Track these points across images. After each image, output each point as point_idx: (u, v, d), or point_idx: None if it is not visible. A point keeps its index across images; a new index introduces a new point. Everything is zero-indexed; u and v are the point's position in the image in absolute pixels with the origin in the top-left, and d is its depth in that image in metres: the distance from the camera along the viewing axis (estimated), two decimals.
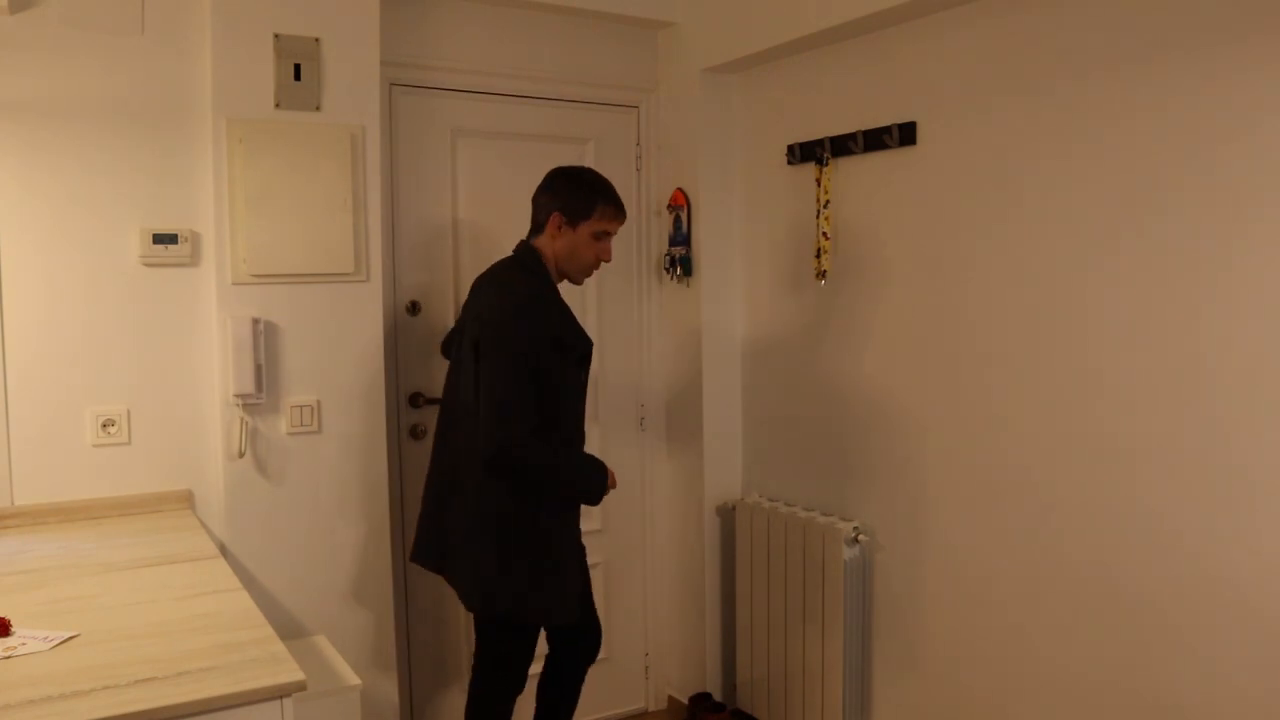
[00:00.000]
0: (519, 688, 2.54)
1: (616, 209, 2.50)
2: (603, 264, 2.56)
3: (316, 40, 2.67)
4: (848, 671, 2.90)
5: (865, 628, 2.94)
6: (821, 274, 2.99)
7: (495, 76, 3.17)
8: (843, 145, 2.89)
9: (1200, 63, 2.06)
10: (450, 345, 2.70)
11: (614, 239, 2.56)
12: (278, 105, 2.63)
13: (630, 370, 3.49)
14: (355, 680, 2.37)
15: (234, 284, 2.61)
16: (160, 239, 2.56)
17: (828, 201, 2.96)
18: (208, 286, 2.63)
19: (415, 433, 3.08)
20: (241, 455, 2.63)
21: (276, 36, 2.62)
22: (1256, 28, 1.96)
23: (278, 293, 2.66)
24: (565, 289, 2.56)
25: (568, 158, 3.31)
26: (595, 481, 2.46)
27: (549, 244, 2.49)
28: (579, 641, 2.70)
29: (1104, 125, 2.25)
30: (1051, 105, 2.36)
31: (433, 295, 3.10)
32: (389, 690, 2.86)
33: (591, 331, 3.38)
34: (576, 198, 2.47)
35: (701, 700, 3.37)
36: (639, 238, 3.50)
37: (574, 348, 2.45)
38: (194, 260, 2.62)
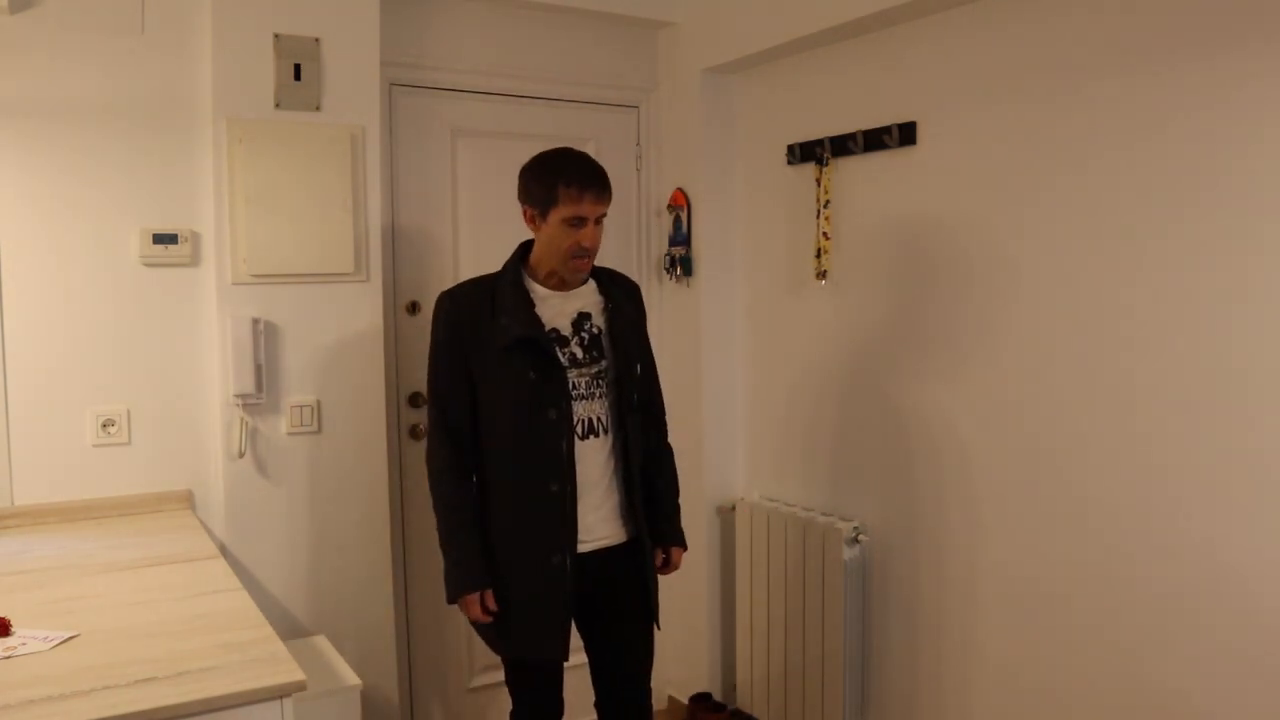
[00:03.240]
0: None
1: (582, 187, 2.13)
2: (590, 251, 2.20)
3: (316, 40, 2.67)
4: (848, 671, 2.90)
5: (865, 628, 2.93)
6: (821, 274, 2.99)
7: (495, 76, 3.17)
8: (843, 145, 2.89)
9: (1203, 63, 2.06)
10: None
11: (604, 223, 2.22)
12: (278, 105, 2.63)
13: None
14: (355, 680, 2.37)
15: (234, 284, 2.61)
16: (160, 239, 2.56)
17: (828, 201, 2.96)
18: (208, 286, 2.63)
19: (415, 433, 3.08)
20: (241, 455, 2.63)
21: (276, 36, 2.62)
22: (1260, 31, 1.96)
23: (277, 293, 2.66)
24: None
25: None
26: (449, 575, 2.19)
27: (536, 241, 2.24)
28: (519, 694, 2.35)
29: (1105, 124, 2.25)
30: (1051, 105, 2.35)
31: (432, 295, 3.08)
32: (389, 690, 2.86)
33: None
34: (537, 184, 2.17)
35: (701, 700, 3.37)
36: (639, 238, 3.50)
37: (488, 337, 2.16)
38: (194, 260, 2.62)
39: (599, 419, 2.24)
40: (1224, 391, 2.05)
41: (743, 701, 3.31)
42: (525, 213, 2.21)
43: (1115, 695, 2.29)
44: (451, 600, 2.19)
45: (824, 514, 3.02)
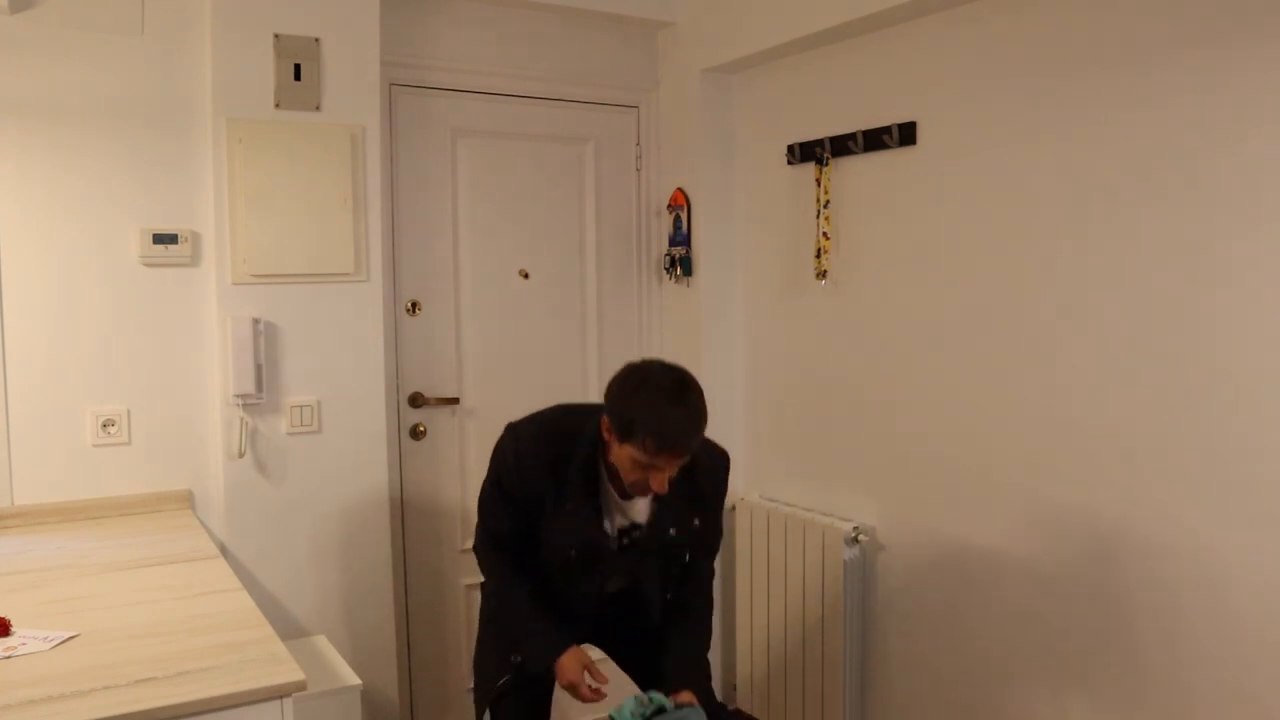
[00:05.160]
0: None
1: (659, 442, 1.87)
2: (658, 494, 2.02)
3: (316, 40, 2.67)
4: (848, 671, 2.90)
5: (865, 628, 2.93)
6: (821, 274, 2.99)
7: (495, 76, 3.17)
8: (843, 145, 2.89)
9: (1200, 62, 2.06)
10: None
11: (659, 465, 1.92)
12: (278, 105, 2.63)
13: None
14: (355, 680, 2.37)
15: (234, 284, 2.61)
16: (160, 239, 2.56)
17: (828, 201, 2.96)
18: (208, 286, 2.63)
19: (415, 433, 3.08)
20: (241, 455, 2.63)
21: (276, 36, 2.62)
22: (1259, 28, 1.96)
23: (278, 293, 2.66)
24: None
25: (568, 158, 3.32)
26: (530, 649, 2.12)
27: None
28: None
29: (1104, 124, 2.25)
30: (1051, 104, 2.35)
31: (433, 295, 3.10)
32: (389, 690, 2.86)
33: (592, 333, 3.39)
34: (620, 409, 1.93)
35: None
36: (639, 238, 3.50)
37: (548, 506, 2.06)
38: (194, 260, 2.62)
39: (619, 585, 2.22)
40: (1221, 389, 2.05)
41: (743, 701, 3.31)
42: (604, 419, 1.99)
43: (1115, 694, 2.29)
44: (537, 661, 2.12)
45: (824, 514, 3.02)
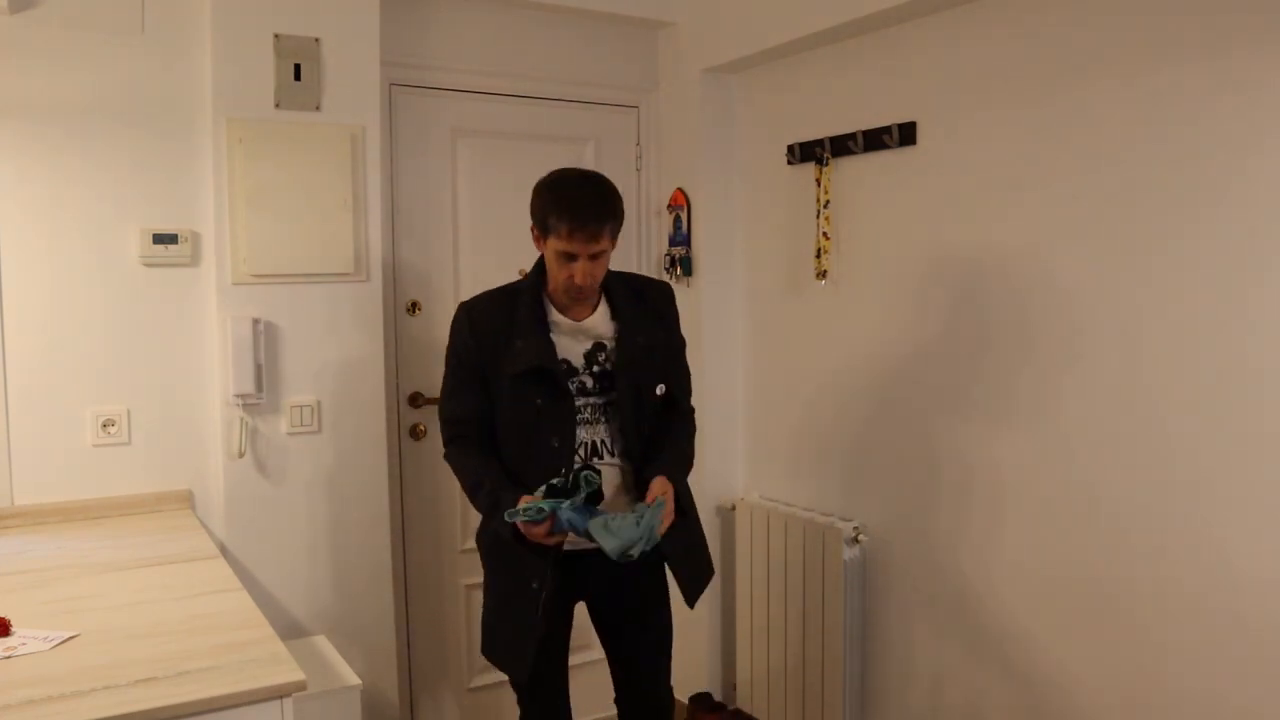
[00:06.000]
0: None
1: (571, 227, 2.02)
2: (583, 287, 2.10)
3: (316, 40, 2.67)
4: (848, 671, 2.90)
5: (865, 628, 2.93)
6: (821, 274, 2.99)
7: (495, 76, 3.17)
8: (843, 145, 2.89)
9: (1203, 63, 2.06)
10: None
11: (600, 252, 2.07)
12: (278, 105, 2.63)
13: None
14: (355, 680, 2.38)
15: (234, 284, 2.61)
16: (160, 239, 2.56)
17: (828, 201, 2.96)
18: (208, 286, 2.63)
19: (415, 433, 3.08)
20: (241, 455, 2.63)
21: (276, 36, 2.62)
22: (1258, 31, 1.96)
23: (278, 293, 2.66)
24: None
25: (568, 158, 3.31)
26: (498, 520, 2.07)
27: None
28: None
29: (1104, 125, 2.25)
30: (1052, 105, 2.35)
31: (433, 295, 3.10)
32: (389, 690, 2.86)
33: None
34: (538, 206, 2.11)
35: (701, 700, 3.37)
36: (639, 238, 3.50)
37: (503, 359, 2.11)
38: (194, 260, 2.62)
39: (603, 442, 2.19)
40: (1237, 392, 2.05)
41: (743, 701, 3.31)
42: (532, 228, 2.15)
43: (1119, 698, 2.29)
44: (515, 537, 2.07)
45: (824, 514, 3.02)
